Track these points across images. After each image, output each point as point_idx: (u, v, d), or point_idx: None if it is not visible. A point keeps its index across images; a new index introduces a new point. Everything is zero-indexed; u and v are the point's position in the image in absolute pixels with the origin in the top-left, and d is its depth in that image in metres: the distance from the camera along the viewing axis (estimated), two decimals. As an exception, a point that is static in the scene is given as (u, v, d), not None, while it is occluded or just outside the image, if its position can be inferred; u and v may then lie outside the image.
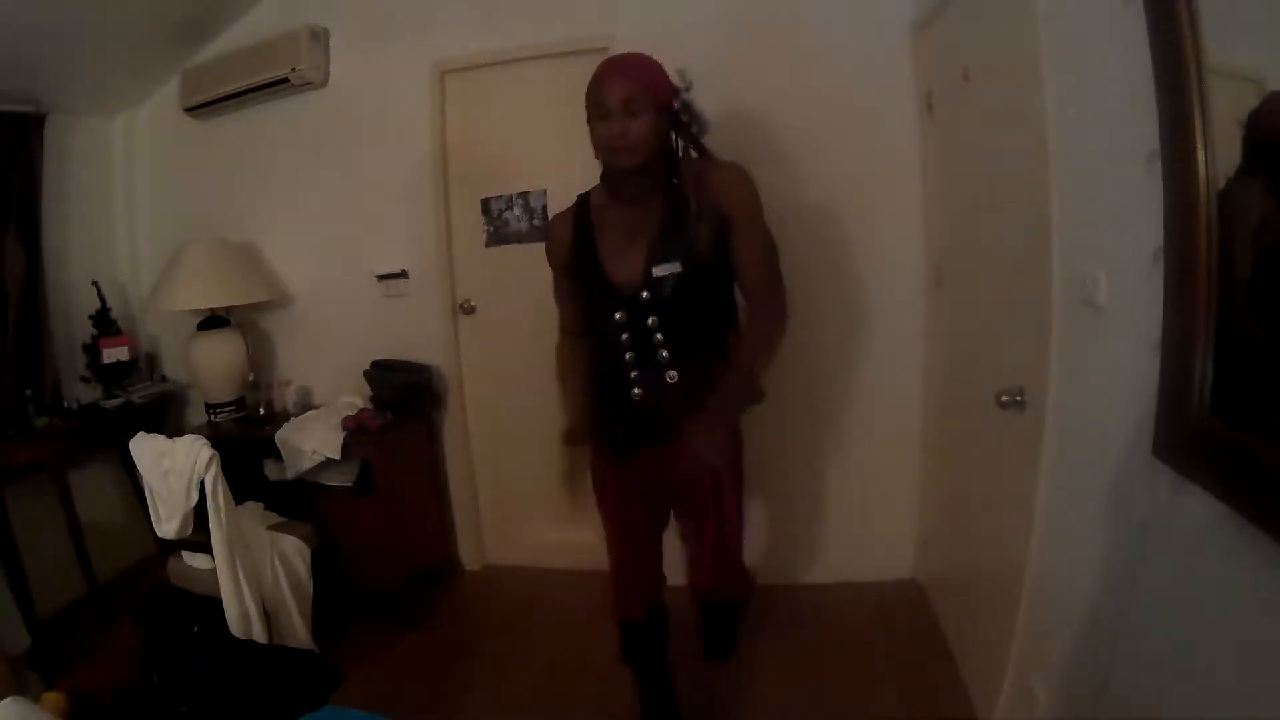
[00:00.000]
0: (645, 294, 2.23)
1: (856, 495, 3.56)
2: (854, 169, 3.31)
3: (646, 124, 2.11)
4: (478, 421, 4.05)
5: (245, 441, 3.67)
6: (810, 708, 2.82)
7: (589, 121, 2.17)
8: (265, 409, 3.94)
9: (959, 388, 3.02)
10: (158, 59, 4.02)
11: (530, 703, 3.00)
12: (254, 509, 3.41)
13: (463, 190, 3.83)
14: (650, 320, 2.25)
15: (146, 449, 2.99)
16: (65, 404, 3.86)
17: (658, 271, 2.20)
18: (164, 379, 4.40)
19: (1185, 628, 1.46)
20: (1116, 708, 1.71)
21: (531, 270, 2.73)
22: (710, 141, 2.33)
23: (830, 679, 2.95)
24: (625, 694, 2.77)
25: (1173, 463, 1.43)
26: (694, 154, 2.32)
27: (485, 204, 3.81)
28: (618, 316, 2.28)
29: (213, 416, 3.95)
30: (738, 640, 3.03)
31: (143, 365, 4.28)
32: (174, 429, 3.71)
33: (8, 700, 1.97)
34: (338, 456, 3.42)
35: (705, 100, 2.31)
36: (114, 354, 4.03)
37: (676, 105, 2.22)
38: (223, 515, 2.94)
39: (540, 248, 2.56)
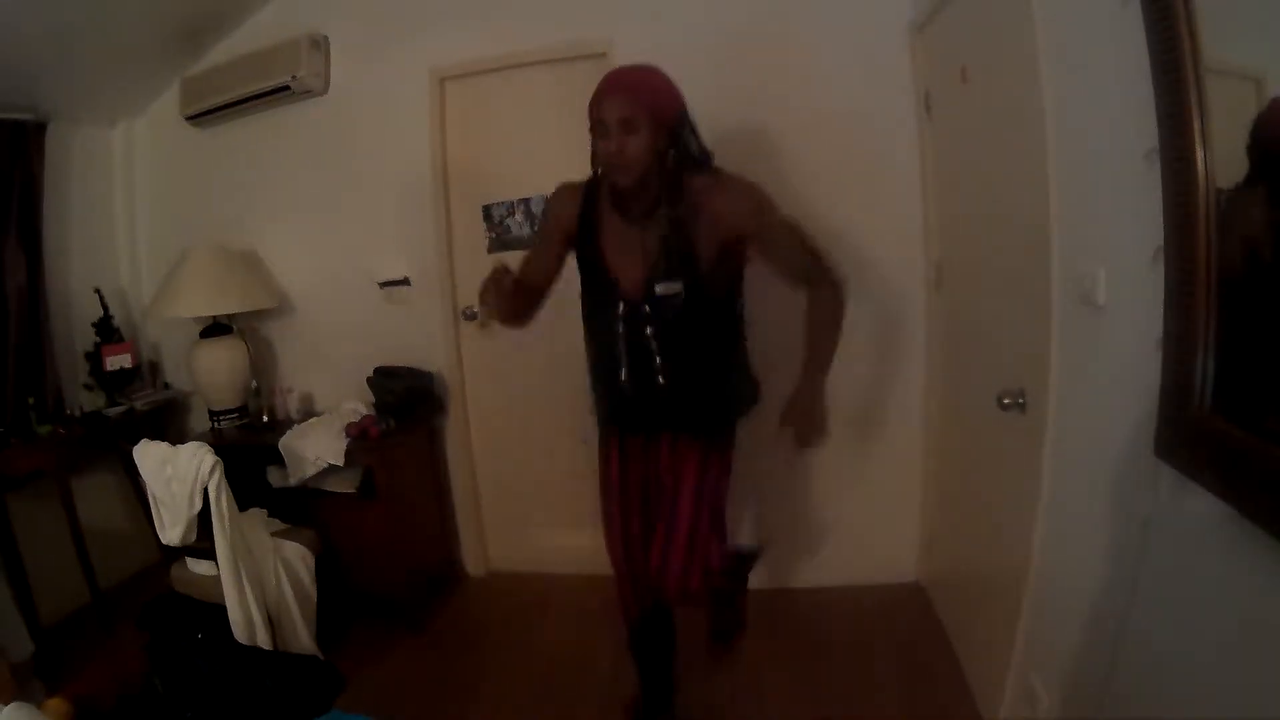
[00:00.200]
0: (646, 307, 2.25)
1: (859, 498, 3.55)
2: (853, 170, 3.31)
3: (643, 142, 2.11)
4: (480, 427, 4.05)
5: (248, 448, 3.67)
6: (813, 709, 2.82)
7: (590, 135, 2.18)
8: (268, 416, 3.94)
9: (960, 389, 3.02)
10: (158, 67, 4.03)
11: (533, 708, 2.99)
12: (257, 515, 3.40)
13: (464, 196, 3.83)
14: (648, 330, 2.27)
15: (150, 456, 3.00)
16: (68, 411, 3.86)
17: (660, 289, 2.22)
18: (166, 386, 4.40)
19: (1187, 627, 1.46)
20: (1119, 706, 1.71)
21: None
22: (709, 141, 2.33)
23: (833, 681, 2.95)
24: (627, 697, 2.77)
25: (1174, 462, 1.43)
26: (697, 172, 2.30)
27: (486, 210, 3.81)
28: (620, 310, 2.29)
29: (216, 423, 3.95)
30: (743, 625, 2.87)
31: (145, 373, 4.28)
32: (177, 436, 3.72)
33: (11, 706, 1.97)
34: (341, 463, 3.42)
35: (704, 104, 2.31)
36: (116, 361, 4.03)
37: (679, 122, 2.21)
38: (226, 522, 2.94)
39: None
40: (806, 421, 2.37)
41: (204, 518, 2.96)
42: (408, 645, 3.47)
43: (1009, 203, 2.37)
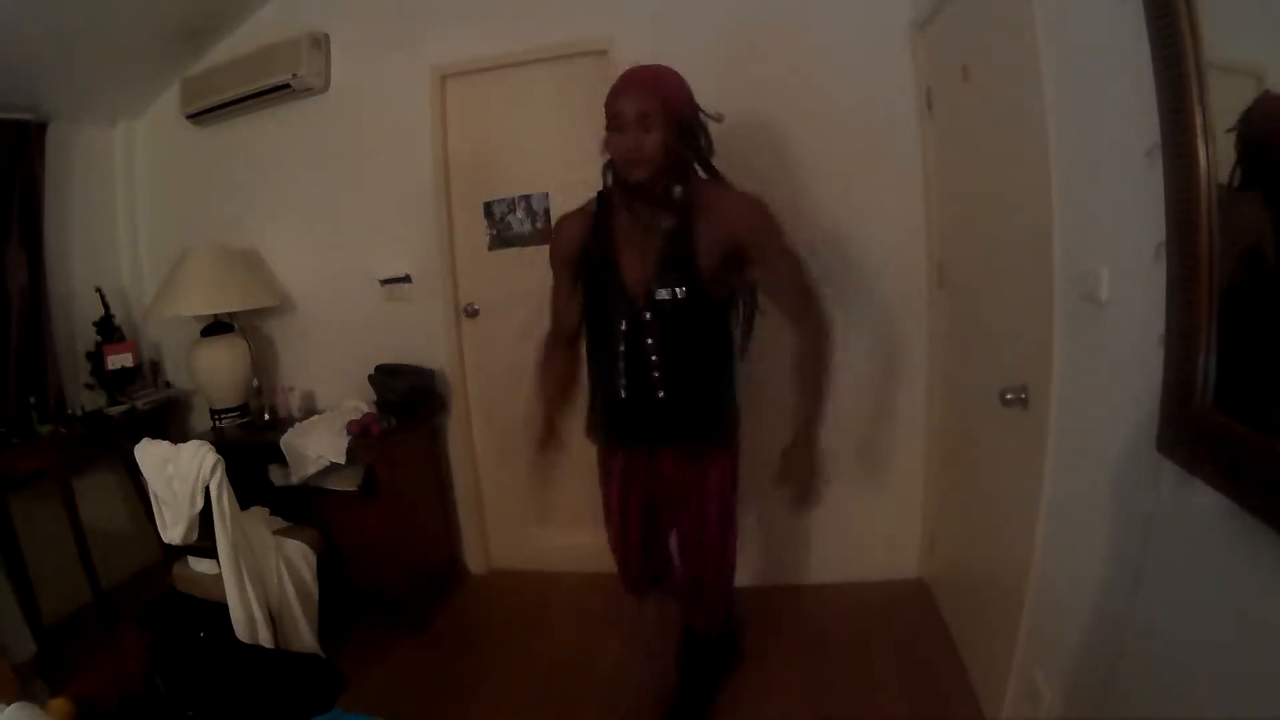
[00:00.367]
0: (647, 314, 2.27)
1: (861, 495, 3.54)
2: (854, 168, 3.31)
3: (659, 139, 2.14)
4: (482, 425, 4.05)
5: (250, 447, 3.67)
6: (815, 707, 2.81)
7: (606, 130, 2.20)
8: (269, 414, 3.93)
9: (963, 386, 3.02)
10: (158, 66, 4.03)
11: (534, 707, 2.99)
12: (259, 514, 3.41)
13: (464, 194, 3.83)
14: (648, 341, 2.29)
15: (151, 455, 3.00)
16: (69, 411, 3.86)
17: (660, 294, 2.24)
18: (168, 385, 4.40)
19: (1190, 623, 1.46)
20: (1121, 703, 1.71)
21: (535, 273, 2.74)
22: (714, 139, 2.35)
23: (835, 679, 2.95)
24: (629, 698, 2.77)
25: (1177, 458, 1.43)
26: (704, 175, 2.34)
27: (487, 207, 3.81)
28: (622, 326, 2.31)
29: (217, 422, 3.96)
30: (710, 710, 2.82)
31: (146, 372, 4.28)
32: (178, 435, 3.72)
33: (14, 706, 1.97)
34: (342, 461, 3.43)
35: (704, 99, 2.32)
36: (118, 360, 4.04)
37: (693, 121, 2.25)
38: (228, 520, 2.94)
39: (543, 250, 2.57)
40: (804, 476, 2.40)
41: (205, 516, 2.96)
42: (409, 644, 3.47)
43: (1011, 200, 2.37)
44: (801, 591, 3.58)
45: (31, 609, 3.48)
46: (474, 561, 4.14)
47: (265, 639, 3.04)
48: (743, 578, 3.10)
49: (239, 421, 3.96)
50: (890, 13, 3.17)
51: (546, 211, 3.69)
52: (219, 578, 3.00)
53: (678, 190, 2.23)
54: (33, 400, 3.67)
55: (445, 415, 4.00)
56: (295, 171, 4.03)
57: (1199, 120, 1.30)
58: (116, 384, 4.06)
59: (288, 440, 3.52)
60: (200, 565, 3.19)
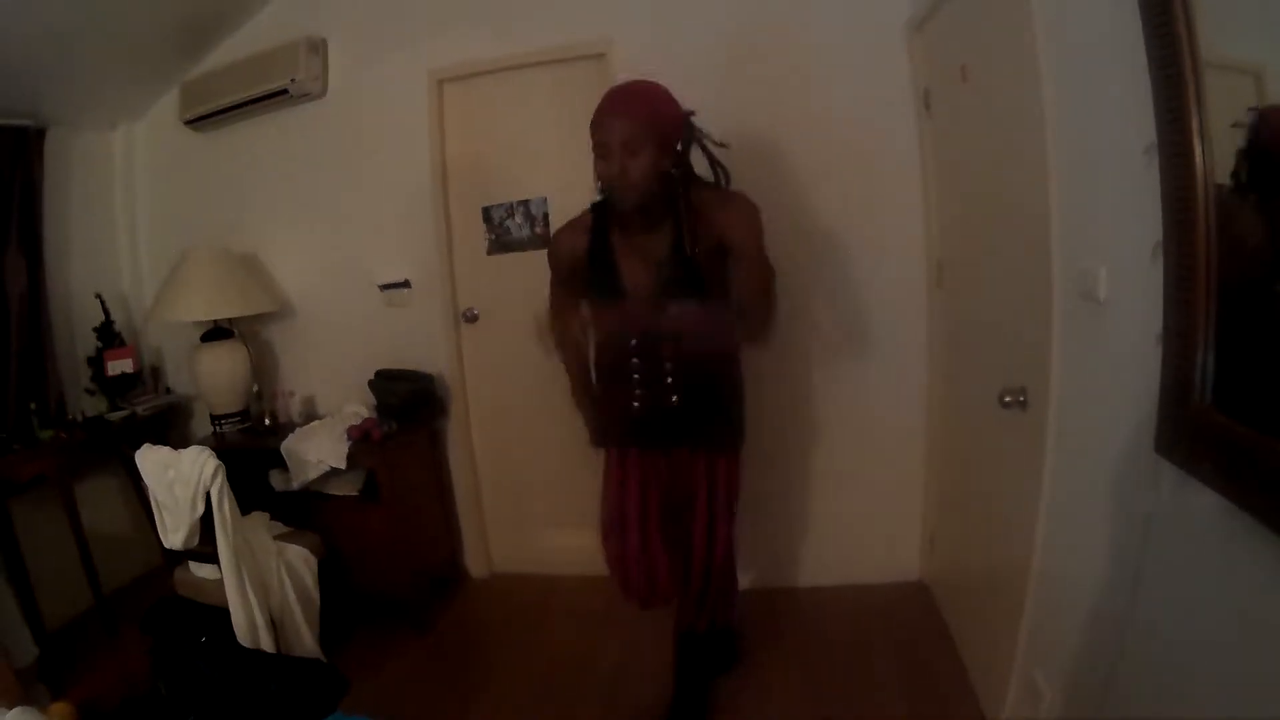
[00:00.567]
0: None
1: (861, 497, 3.55)
2: (853, 169, 3.31)
3: (646, 162, 2.13)
4: (482, 429, 4.05)
5: (250, 452, 3.67)
6: (815, 709, 2.81)
7: (593, 155, 2.19)
8: (270, 419, 3.94)
9: (962, 387, 3.02)
10: (157, 72, 4.04)
11: (536, 708, 2.99)
12: (260, 519, 3.41)
13: (463, 199, 3.83)
14: (660, 352, 2.30)
15: (152, 460, 3.00)
16: (70, 416, 3.86)
17: (671, 306, 2.25)
18: (168, 390, 4.40)
19: (1190, 623, 1.46)
20: (1121, 703, 1.71)
21: (533, 278, 2.74)
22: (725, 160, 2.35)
23: (836, 680, 2.95)
24: (632, 701, 2.77)
25: (1175, 458, 1.43)
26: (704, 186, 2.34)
27: (486, 212, 3.81)
28: (633, 341, 2.31)
29: (218, 427, 3.96)
30: (708, 714, 2.82)
31: (147, 377, 4.29)
32: (179, 440, 3.73)
33: (15, 711, 1.98)
34: (343, 466, 3.43)
35: (702, 105, 2.32)
36: (118, 366, 4.04)
37: (682, 139, 2.24)
38: (229, 525, 2.94)
39: (542, 255, 2.57)
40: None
41: (206, 521, 2.96)
42: (411, 647, 3.47)
43: (1010, 200, 2.37)
44: (802, 593, 3.58)
45: (33, 613, 3.47)
46: (475, 565, 4.13)
47: (266, 644, 3.04)
48: (743, 579, 3.10)
49: (239, 427, 3.96)
50: (888, 12, 3.17)
51: (545, 216, 3.69)
52: (220, 582, 3.00)
53: (672, 205, 2.23)
54: (33, 406, 3.67)
55: (445, 419, 4.00)
56: (294, 176, 4.03)
57: (1196, 120, 1.30)
58: (117, 389, 4.06)
59: (288, 445, 3.52)
60: (201, 570, 3.19)
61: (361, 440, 3.48)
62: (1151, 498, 1.56)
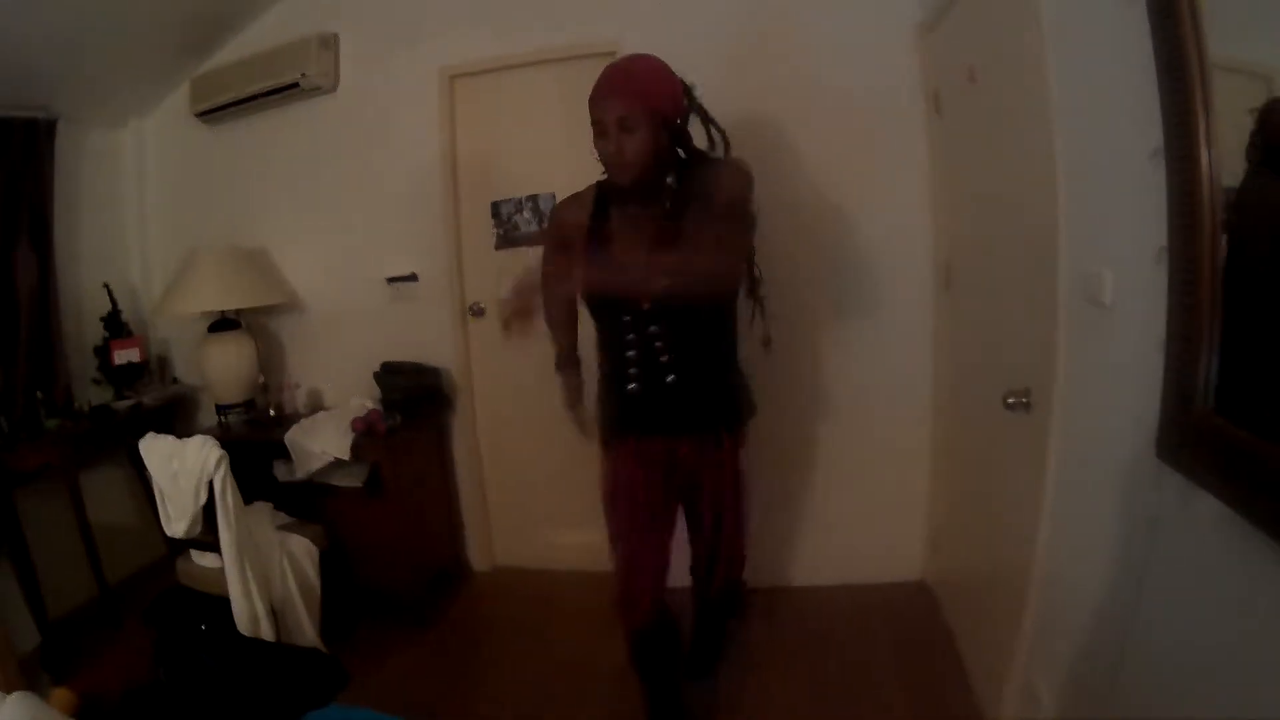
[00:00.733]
0: (647, 306, 2.25)
1: (864, 496, 3.55)
2: (862, 170, 3.31)
3: (643, 140, 2.12)
4: (487, 424, 4.06)
5: (255, 443, 3.68)
6: (816, 708, 2.82)
7: (592, 132, 2.19)
8: (275, 411, 3.95)
9: (967, 389, 3.02)
10: (168, 66, 4.05)
11: (539, 703, 3.00)
12: (263, 509, 3.42)
13: (472, 193, 3.84)
14: (652, 328, 2.27)
15: (156, 449, 3.01)
16: (76, 406, 3.86)
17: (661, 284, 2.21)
18: (175, 381, 4.42)
19: (1191, 628, 1.46)
20: (1123, 707, 1.70)
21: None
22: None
23: (836, 681, 2.95)
24: (634, 695, 2.77)
25: (1177, 464, 1.43)
26: (701, 156, 2.31)
27: (495, 207, 3.82)
28: (625, 319, 2.29)
29: (223, 418, 3.97)
30: (721, 656, 3.04)
31: (154, 367, 4.30)
32: (184, 431, 3.72)
33: (16, 695, 1.98)
34: (347, 458, 3.44)
35: (713, 102, 2.32)
36: (125, 356, 4.05)
37: (680, 115, 2.22)
38: (231, 515, 2.95)
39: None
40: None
41: (210, 511, 2.97)
42: (413, 641, 3.48)
43: (1015, 202, 2.37)
44: (804, 593, 3.58)
45: (37, 603, 3.49)
46: (478, 559, 4.15)
47: (267, 634, 3.05)
48: (744, 577, 3.09)
49: (245, 418, 3.97)
50: (897, 15, 3.18)
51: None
52: (222, 571, 3.01)
53: (669, 180, 2.22)
54: (40, 395, 3.68)
55: (451, 413, 4.01)
56: (303, 170, 4.05)
57: (1202, 124, 1.30)
58: (124, 379, 4.07)
59: (293, 436, 3.53)
60: (204, 560, 3.20)
61: (366, 433, 3.49)
62: (1154, 501, 1.56)
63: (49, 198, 3.76)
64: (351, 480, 3.52)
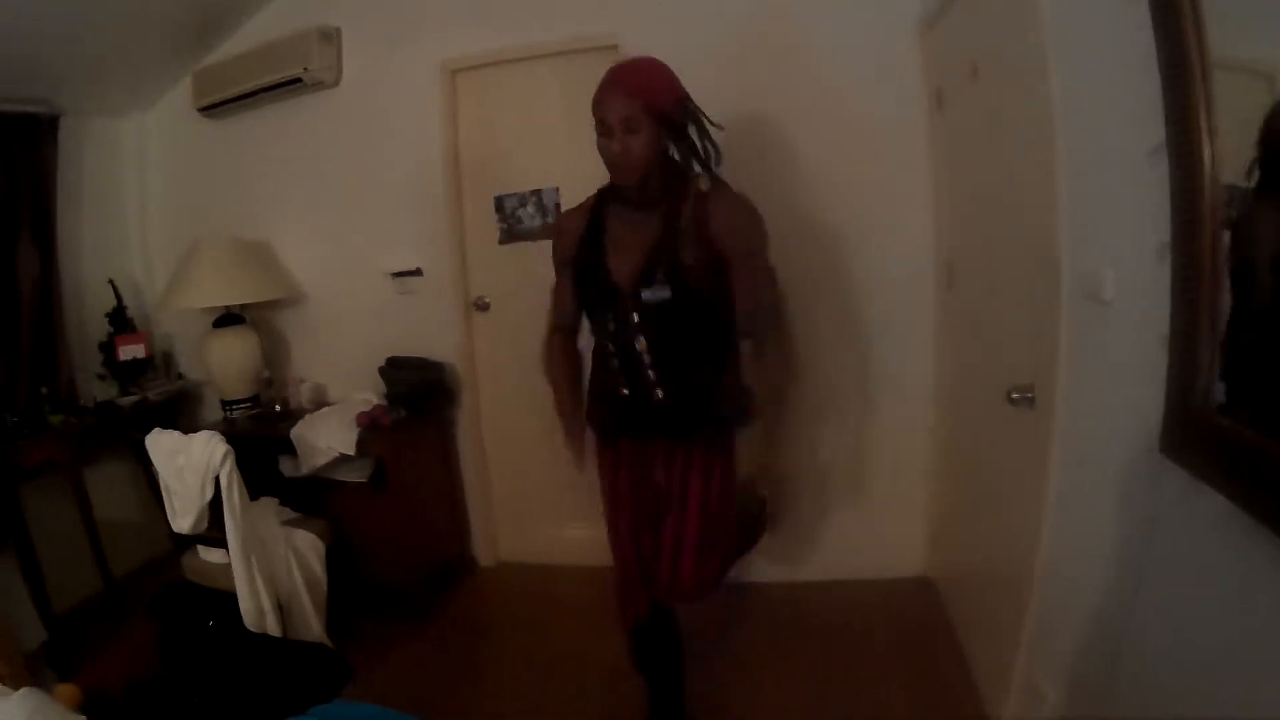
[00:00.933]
0: (635, 315, 2.25)
1: (868, 492, 3.56)
2: (864, 168, 3.31)
3: (646, 140, 2.12)
4: (491, 418, 4.06)
5: (260, 438, 3.68)
6: (817, 705, 2.82)
7: (595, 133, 2.18)
8: (280, 406, 3.97)
9: (970, 385, 3.01)
10: (170, 60, 4.05)
11: (543, 698, 3.01)
12: (269, 505, 3.42)
13: (475, 188, 3.84)
14: (639, 342, 2.27)
15: (161, 445, 3.02)
16: (81, 402, 3.88)
17: (646, 295, 2.21)
18: (179, 376, 4.43)
19: (1193, 624, 1.46)
20: (1124, 703, 1.71)
21: (545, 268, 2.73)
22: (719, 141, 2.32)
23: (838, 676, 2.95)
24: (638, 691, 2.77)
25: (1179, 460, 1.43)
26: (701, 173, 2.29)
27: (498, 201, 3.82)
28: (611, 327, 2.30)
29: (228, 413, 3.98)
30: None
31: (158, 363, 4.31)
32: (189, 426, 3.72)
33: (23, 690, 1.99)
34: (352, 452, 3.44)
35: (713, 100, 2.31)
36: (130, 351, 4.06)
37: (682, 117, 2.22)
38: (237, 510, 2.96)
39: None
40: (755, 510, 2.61)
41: (215, 506, 2.97)
42: (417, 635, 3.49)
43: (1017, 199, 2.37)
44: (805, 588, 3.58)
45: (42, 597, 3.50)
46: (483, 554, 4.16)
47: (273, 629, 3.06)
48: (745, 574, 3.11)
49: (250, 413, 3.98)
50: (898, 11, 3.17)
51: (557, 206, 3.70)
52: (228, 567, 3.01)
53: (671, 188, 2.22)
54: (44, 391, 3.69)
55: (455, 408, 4.02)
56: (307, 164, 4.05)
57: (1203, 121, 1.30)
58: (128, 375, 4.09)
59: (298, 431, 3.54)
60: (210, 555, 3.21)
61: (371, 427, 3.50)
62: (1156, 498, 1.56)
63: (51, 192, 3.77)
64: (356, 475, 3.53)
